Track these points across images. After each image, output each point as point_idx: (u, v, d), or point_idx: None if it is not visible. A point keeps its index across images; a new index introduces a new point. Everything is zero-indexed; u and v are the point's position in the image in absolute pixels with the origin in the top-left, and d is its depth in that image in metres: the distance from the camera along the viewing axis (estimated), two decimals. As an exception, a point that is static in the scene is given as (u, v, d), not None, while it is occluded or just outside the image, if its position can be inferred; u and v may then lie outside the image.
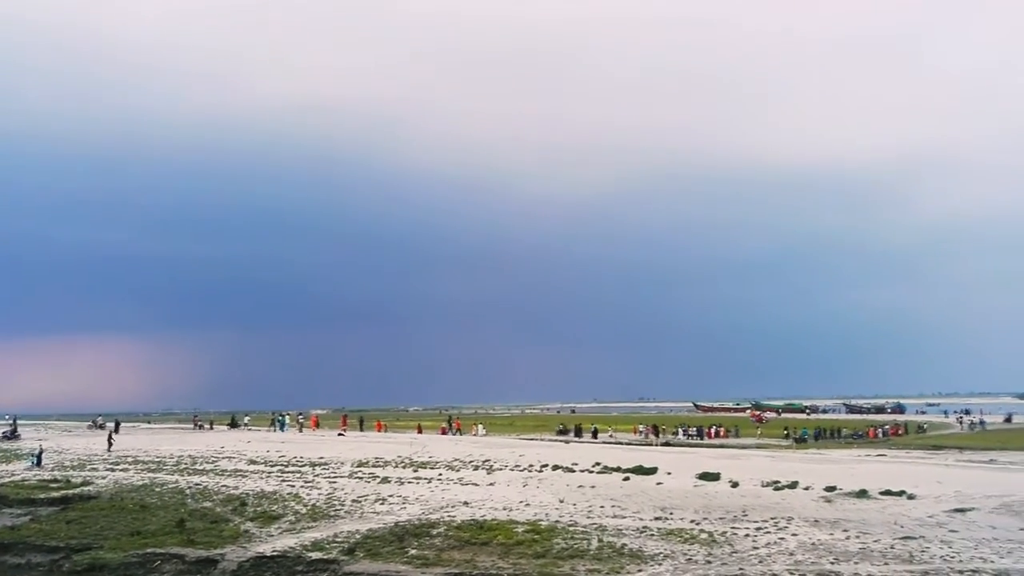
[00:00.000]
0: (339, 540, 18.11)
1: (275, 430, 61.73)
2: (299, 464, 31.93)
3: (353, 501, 22.60)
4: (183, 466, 32.13)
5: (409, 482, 26.04)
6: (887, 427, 65.66)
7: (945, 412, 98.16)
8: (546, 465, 29.28)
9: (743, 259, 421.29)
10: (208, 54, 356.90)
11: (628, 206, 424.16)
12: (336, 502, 22.55)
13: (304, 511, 21.50)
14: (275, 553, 17.64)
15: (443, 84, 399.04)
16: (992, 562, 14.03)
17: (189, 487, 26.27)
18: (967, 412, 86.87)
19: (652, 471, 26.88)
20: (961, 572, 13.47)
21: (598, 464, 29.17)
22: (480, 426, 65.78)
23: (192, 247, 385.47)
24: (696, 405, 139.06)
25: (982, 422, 71.68)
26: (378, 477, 27.33)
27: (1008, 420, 75.42)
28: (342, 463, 31.70)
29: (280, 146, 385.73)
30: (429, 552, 16.87)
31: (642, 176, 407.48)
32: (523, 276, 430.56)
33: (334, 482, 26.38)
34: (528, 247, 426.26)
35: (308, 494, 24.02)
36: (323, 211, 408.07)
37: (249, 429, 64.64)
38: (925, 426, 71.84)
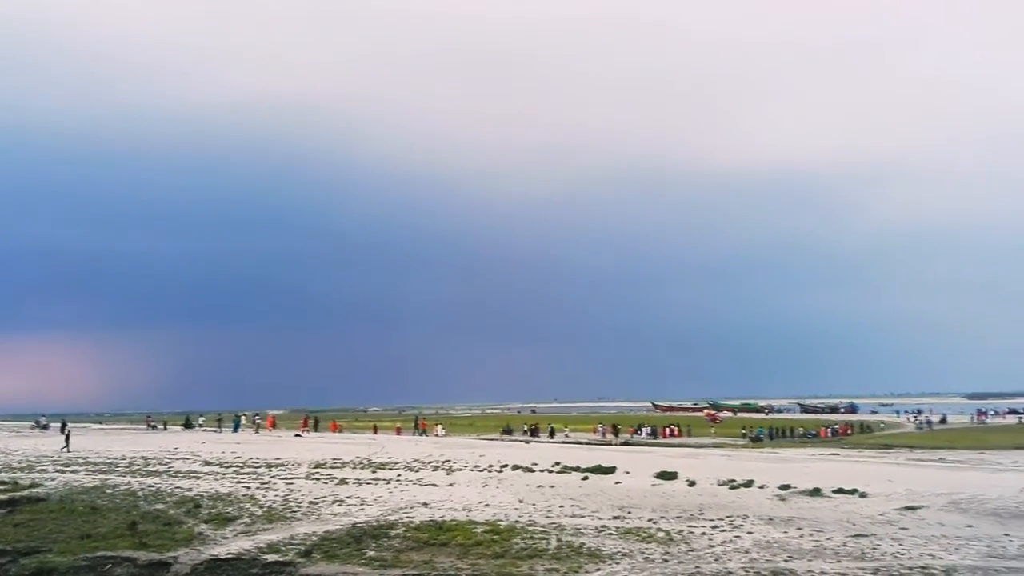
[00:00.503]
0: (295, 542, 17.85)
1: (221, 430, 61.30)
2: (255, 465, 31.47)
3: (310, 503, 22.32)
4: (135, 467, 31.46)
5: (367, 483, 25.82)
6: (837, 426, 66.97)
7: (897, 412, 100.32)
8: (506, 465, 29.27)
9: (703, 262, 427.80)
10: (193, 52, 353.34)
11: (595, 207, 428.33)
12: (293, 504, 22.25)
13: (260, 513, 21.17)
14: (230, 555, 17.32)
15: (418, 82, 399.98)
16: (941, 559, 14.35)
17: (142, 489, 25.71)
18: (919, 412, 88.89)
19: (611, 470, 27.03)
20: (911, 569, 13.75)
21: (557, 464, 29.25)
22: (440, 427, 65.65)
23: (149, 243, 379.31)
24: (655, 405, 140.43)
25: (929, 422, 73.45)
26: (336, 478, 27.05)
27: (943, 421, 75.84)
28: (299, 464, 31.34)
29: (247, 141, 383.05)
30: (387, 553, 16.72)
31: (611, 178, 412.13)
32: (487, 276, 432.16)
33: (291, 483, 26.04)
34: (494, 247, 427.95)
35: (264, 496, 23.67)
36: (293, 207, 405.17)
37: (204, 430, 63.74)
38: (883, 425, 73.37)
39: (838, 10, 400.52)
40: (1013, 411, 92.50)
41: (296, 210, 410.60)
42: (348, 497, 23.07)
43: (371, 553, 16.77)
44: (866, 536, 16.43)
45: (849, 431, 64.30)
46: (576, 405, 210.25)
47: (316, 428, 65.79)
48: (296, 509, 21.52)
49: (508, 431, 65.88)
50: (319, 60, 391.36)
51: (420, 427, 65.86)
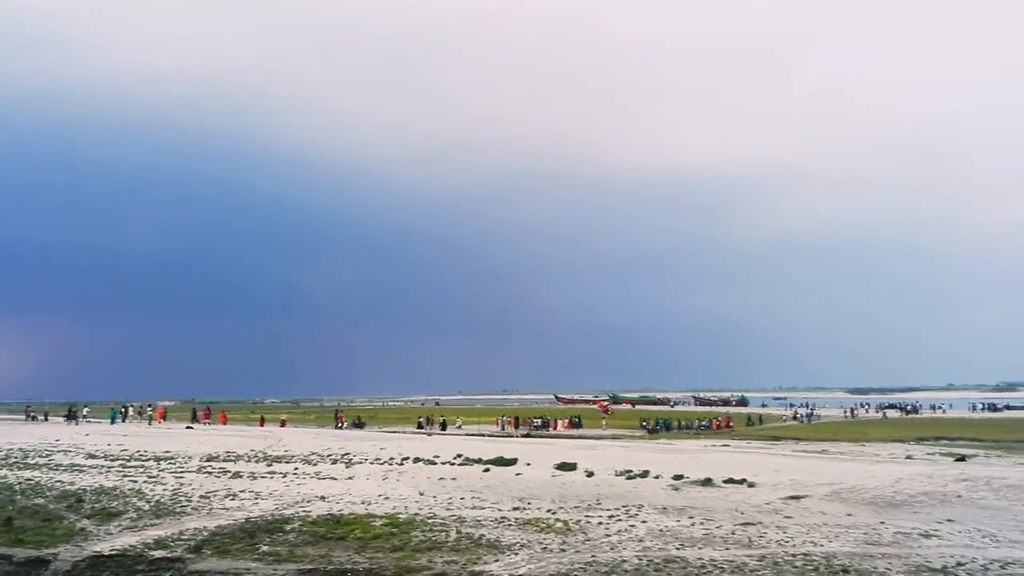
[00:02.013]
0: (185, 537, 17.23)
1: (78, 421, 58.53)
2: (143, 458, 30.20)
3: (201, 497, 21.58)
4: (12, 460, 29.67)
5: (262, 477, 25.17)
6: (719, 419, 69.06)
7: (791, 405, 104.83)
8: (407, 458, 29.07)
9: (605, 259, 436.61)
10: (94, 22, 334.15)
11: (504, 201, 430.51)
12: (183, 498, 21.46)
13: (147, 508, 20.33)
14: (114, 552, 16.58)
15: (336, 66, 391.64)
16: (822, 546, 15.06)
17: (19, 483, 24.29)
18: (806, 405, 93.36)
19: (512, 462, 27.23)
20: (794, 555, 14.37)
21: (460, 456, 29.25)
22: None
23: (31, 228, 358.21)
24: (557, 397, 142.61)
25: (809, 415, 77.37)
26: (229, 472, 26.25)
27: (795, 417, 77.40)
28: (190, 457, 30.25)
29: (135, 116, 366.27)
30: (282, 548, 16.33)
31: (523, 172, 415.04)
32: (393, 266, 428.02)
33: (181, 477, 25.12)
34: (401, 237, 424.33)
35: (152, 490, 22.75)
36: (192, 188, 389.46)
37: (88, 421, 60.77)
38: (784, 418, 76.34)
39: (742, 19, 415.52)
40: (892, 406, 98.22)
41: (195, 191, 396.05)
42: (242, 491, 22.43)
43: (265, 548, 16.35)
44: (753, 524, 17.08)
45: (730, 424, 66.62)
46: (481, 397, 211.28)
47: (194, 418, 63.44)
48: (186, 504, 20.77)
49: (359, 424, 64.34)
50: (233, 39, 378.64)
51: (338, 419, 64.18)
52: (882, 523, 17.09)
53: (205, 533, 17.47)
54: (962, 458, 30.86)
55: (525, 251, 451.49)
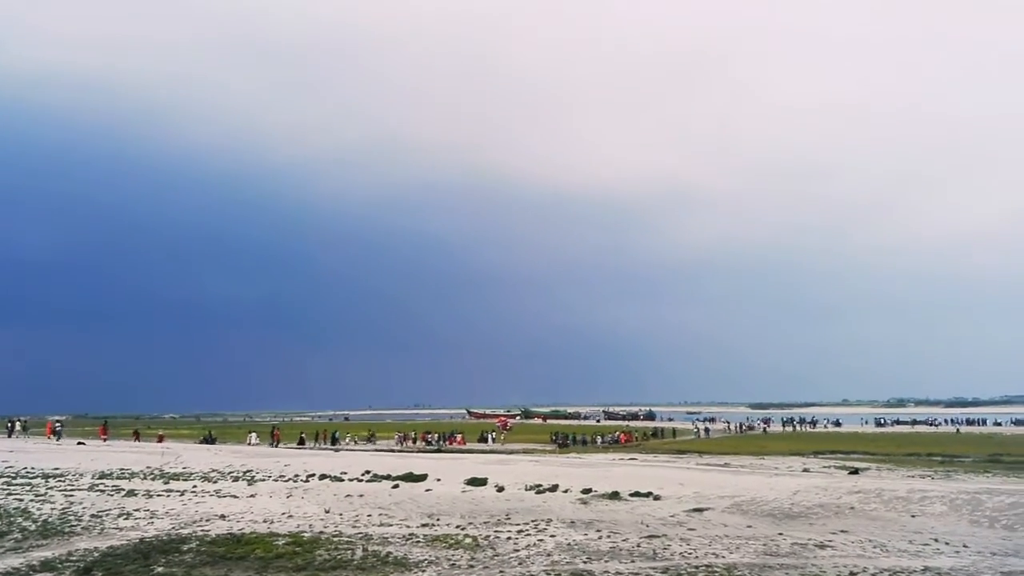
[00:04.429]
0: (74, 559, 16.31)
1: None
2: (30, 476, 28.54)
3: (92, 516, 20.52)
4: None
5: (159, 495, 24.14)
6: (618, 434, 70.23)
7: (703, 419, 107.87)
8: (313, 475, 28.42)
9: (522, 273, 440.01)
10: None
11: (421, 212, 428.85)
12: (72, 517, 20.35)
13: (33, 528, 19.18)
14: (-7, 577, 15.57)
15: (240, 71, 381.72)
16: (723, 557, 15.43)
17: None
18: (712, 420, 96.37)
19: (422, 478, 26.97)
20: (697, 567, 14.67)
21: (368, 472, 28.79)
22: (254, 434, 62.49)
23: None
24: (469, 412, 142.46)
25: (707, 430, 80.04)
26: (123, 490, 25.08)
27: (666, 431, 78.89)
28: (81, 474, 28.78)
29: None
30: (178, 569, 15.64)
31: (437, 185, 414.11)
32: (301, 278, 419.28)
33: (71, 495, 23.83)
34: (306, 248, 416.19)
35: (39, 509, 21.50)
36: (84, 191, 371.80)
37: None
38: (709, 431, 78.64)
39: (662, 48, 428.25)
40: (791, 421, 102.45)
41: (91, 194, 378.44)
42: (136, 510, 21.45)
43: (160, 569, 15.64)
44: (658, 537, 17.38)
45: (630, 438, 67.89)
46: (391, 412, 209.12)
47: (57, 435, 59.73)
48: (76, 523, 19.70)
49: (211, 439, 62.05)
50: (134, 36, 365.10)
51: (274, 438, 61.02)
52: (780, 534, 17.65)
53: (96, 554, 16.61)
54: (855, 471, 32.20)
55: (438, 264, 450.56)
